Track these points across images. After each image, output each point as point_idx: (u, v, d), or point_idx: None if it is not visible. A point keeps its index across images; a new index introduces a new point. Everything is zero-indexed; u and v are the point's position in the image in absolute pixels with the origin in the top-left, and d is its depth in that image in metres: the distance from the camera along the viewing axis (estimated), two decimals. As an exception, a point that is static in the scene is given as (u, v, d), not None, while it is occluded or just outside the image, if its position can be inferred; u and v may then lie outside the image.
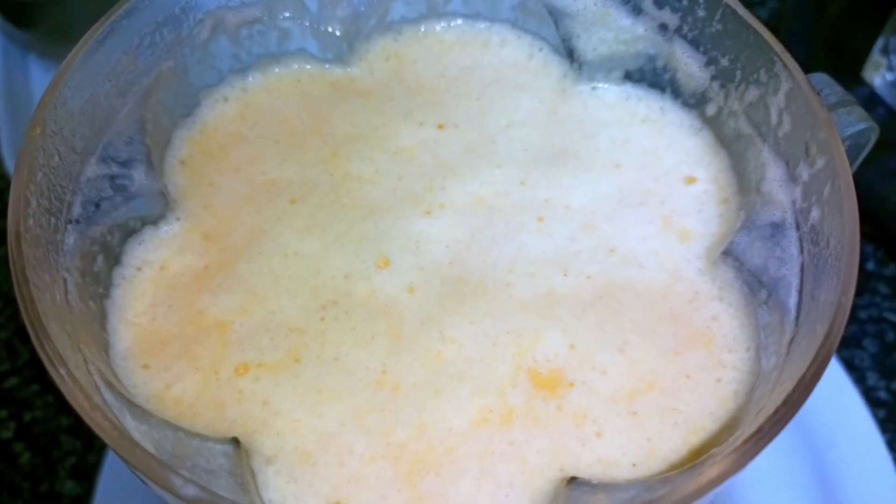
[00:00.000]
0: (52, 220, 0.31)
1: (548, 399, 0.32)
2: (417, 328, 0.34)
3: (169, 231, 0.36)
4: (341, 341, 0.33)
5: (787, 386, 0.26)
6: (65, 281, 0.31)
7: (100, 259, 0.34)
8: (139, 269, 0.35)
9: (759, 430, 0.25)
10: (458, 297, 0.35)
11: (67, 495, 0.54)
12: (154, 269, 0.35)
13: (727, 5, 0.36)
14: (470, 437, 0.31)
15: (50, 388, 0.58)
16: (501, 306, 0.34)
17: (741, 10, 0.36)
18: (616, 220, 0.37)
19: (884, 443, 0.50)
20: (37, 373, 0.59)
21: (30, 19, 0.68)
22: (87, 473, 0.55)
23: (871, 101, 0.65)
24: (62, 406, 0.57)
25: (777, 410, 0.25)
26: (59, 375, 0.25)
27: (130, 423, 0.28)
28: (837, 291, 0.27)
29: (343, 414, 0.32)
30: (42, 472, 0.55)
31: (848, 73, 0.66)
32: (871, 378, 0.58)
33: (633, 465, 0.31)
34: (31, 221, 0.29)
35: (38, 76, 0.70)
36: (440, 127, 0.40)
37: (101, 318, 0.33)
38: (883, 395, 0.57)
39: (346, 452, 0.31)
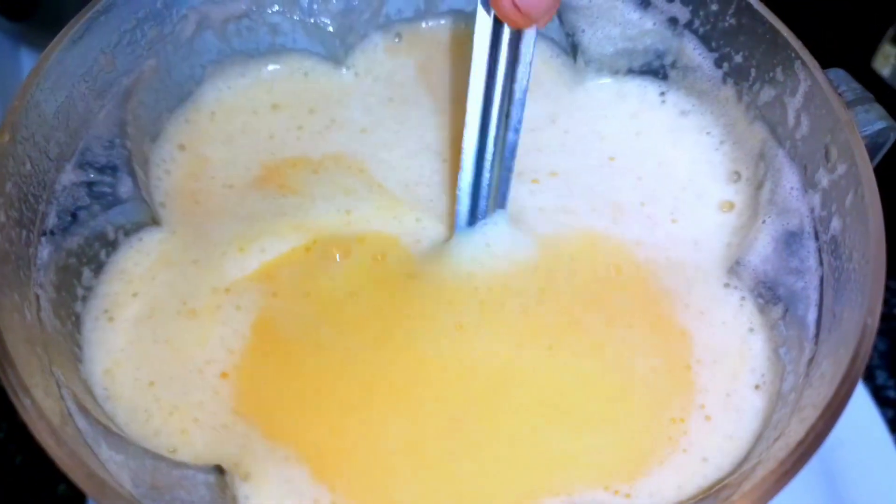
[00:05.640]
0: (24, 232, 0.29)
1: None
2: None
3: (153, 240, 0.34)
4: None
5: (810, 414, 0.25)
6: (37, 298, 0.29)
7: (77, 272, 0.32)
8: (120, 281, 0.33)
9: (783, 463, 0.23)
10: None
11: (62, 497, 0.53)
12: (137, 280, 0.33)
13: (742, -1, 0.34)
14: None
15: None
16: None
17: (757, 5, 0.34)
18: (619, 223, 0.36)
19: (893, 443, 0.49)
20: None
21: (21, 11, 0.66)
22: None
23: (880, 92, 0.63)
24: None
25: (801, 442, 0.23)
26: (22, 406, 0.24)
27: (106, 453, 0.26)
28: (863, 311, 0.25)
29: None
30: (36, 474, 0.54)
31: (857, 63, 0.64)
32: (881, 377, 0.57)
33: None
34: (-2, 236, 0.27)
35: (30, 68, 0.68)
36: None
37: (79, 334, 0.31)
38: (892, 394, 0.55)
39: None
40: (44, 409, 0.24)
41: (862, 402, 0.51)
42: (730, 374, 0.32)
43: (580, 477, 0.29)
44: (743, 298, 0.33)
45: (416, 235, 0.35)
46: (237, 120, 0.38)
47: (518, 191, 0.36)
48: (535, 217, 0.36)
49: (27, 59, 0.68)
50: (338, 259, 0.34)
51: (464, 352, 0.32)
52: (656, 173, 0.37)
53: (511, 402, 0.31)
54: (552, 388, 0.31)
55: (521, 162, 0.37)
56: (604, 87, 0.39)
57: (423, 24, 0.41)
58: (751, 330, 0.33)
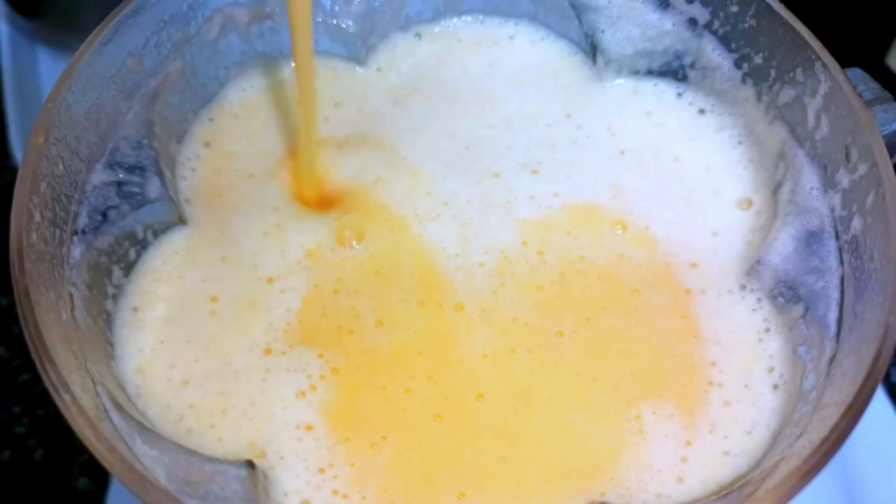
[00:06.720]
0: (57, 232, 0.30)
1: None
2: None
3: (180, 238, 0.35)
4: None
5: (833, 412, 0.25)
6: (71, 296, 0.30)
7: (108, 270, 0.32)
8: (148, 280, 0.34)
9: (807, 461, 0.23)
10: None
11: (81, 492, 0.54)
12: (165, 279, 0.34)
13: (762, 0, 0.34)
14: None
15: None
16: None
17: (777, 6, 0.34)
18: (619, 200, 0.36)
19: (908, 441, 0.49)
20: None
21: (37, 8, 0.66)
22: (100, 470, 0.54)
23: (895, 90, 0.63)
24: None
25: (826, 439, 0.24)
26: (62, 402, 0.24)
27: (140, 448, 0.27)
28: (885, 310, 0.26)
29: None
30: (55, 469, 0.55)
31: (870, 61, 0.64)
32: (895, 374, 0.57)
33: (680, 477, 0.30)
34: (34, 236, 0.28)
35: (47, 66, 0.68)
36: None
37: (110, 332, 0.32)
38: (908, 393, 0.55)
39: None
40: (82, 405, 0.24)
41: (876, 399, 0.51)
42: (746, 374, 0.32)
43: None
44: (759, 300, 0.33)
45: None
46: (261, 116, 0.39)
47: (515, 181, 0.37)
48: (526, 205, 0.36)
49: (43, 57, 0.69)
50: (355, 245, 0.35)
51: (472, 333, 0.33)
52: (671, 168, 0.37)
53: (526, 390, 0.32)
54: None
55: (531, 154, 0.37)
56: (621, 85, 0.39)
57: (443, 24, 0.41)
58: (767, 330, 0.33)
